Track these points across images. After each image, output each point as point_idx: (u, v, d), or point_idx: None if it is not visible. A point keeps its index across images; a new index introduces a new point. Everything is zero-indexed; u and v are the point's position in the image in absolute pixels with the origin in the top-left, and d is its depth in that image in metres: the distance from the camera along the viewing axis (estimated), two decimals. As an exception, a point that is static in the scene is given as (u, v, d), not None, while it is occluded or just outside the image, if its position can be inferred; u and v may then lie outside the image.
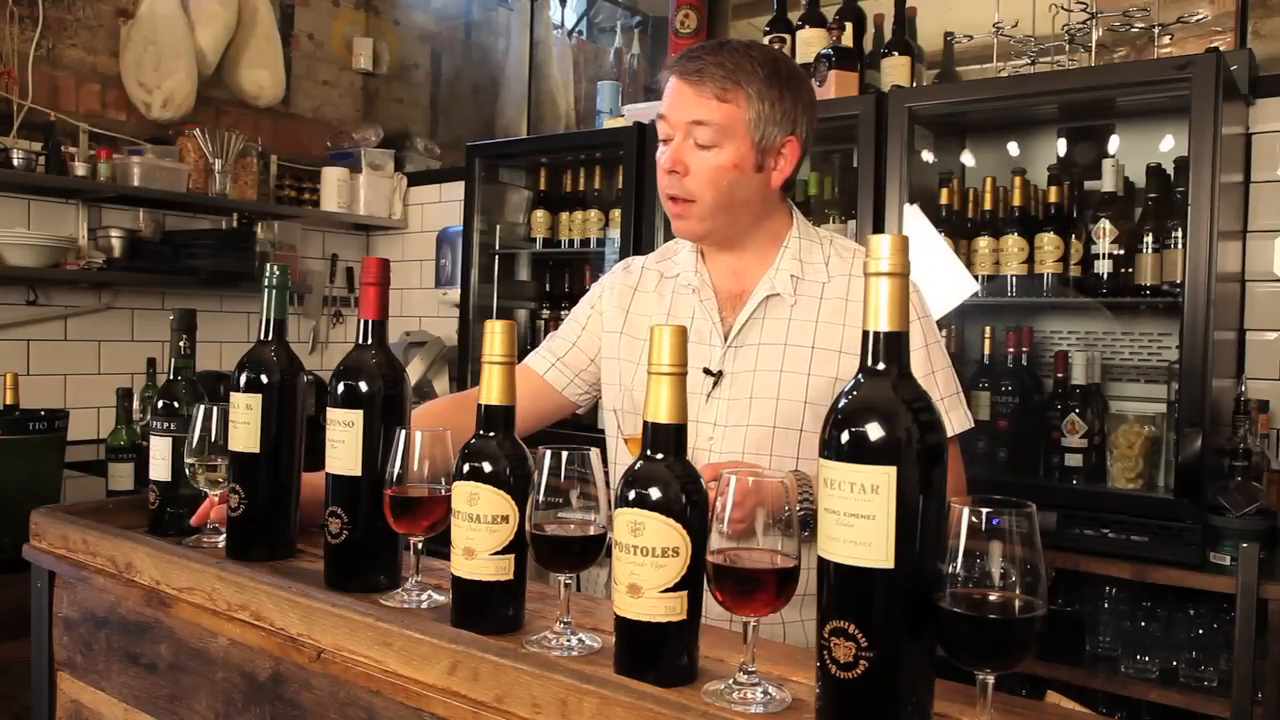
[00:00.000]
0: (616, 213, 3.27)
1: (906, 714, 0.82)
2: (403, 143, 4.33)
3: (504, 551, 1.06)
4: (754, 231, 1.54)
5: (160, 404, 1.48)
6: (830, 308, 1.50)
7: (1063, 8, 2.58)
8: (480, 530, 1.06)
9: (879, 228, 2.55)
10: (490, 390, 1.08)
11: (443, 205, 4.14)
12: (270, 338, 1.33)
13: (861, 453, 0.81)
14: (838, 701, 0.83)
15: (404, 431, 1.15)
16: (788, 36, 2.91)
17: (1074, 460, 2.39)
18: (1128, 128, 2.59)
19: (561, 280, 3.69)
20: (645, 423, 0.95)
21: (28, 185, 3.23)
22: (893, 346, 0.83)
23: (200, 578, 1.27)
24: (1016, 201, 2.55)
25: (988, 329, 2.58)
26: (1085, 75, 2.42)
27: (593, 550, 1.03)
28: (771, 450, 1.47)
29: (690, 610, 0.94)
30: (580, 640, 1.04)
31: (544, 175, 3.63)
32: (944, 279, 2.55)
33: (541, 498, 1.01)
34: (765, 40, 2.88)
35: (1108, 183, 2.45)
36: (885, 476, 0.80)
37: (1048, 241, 2.47)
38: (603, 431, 1.67)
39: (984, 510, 0.79)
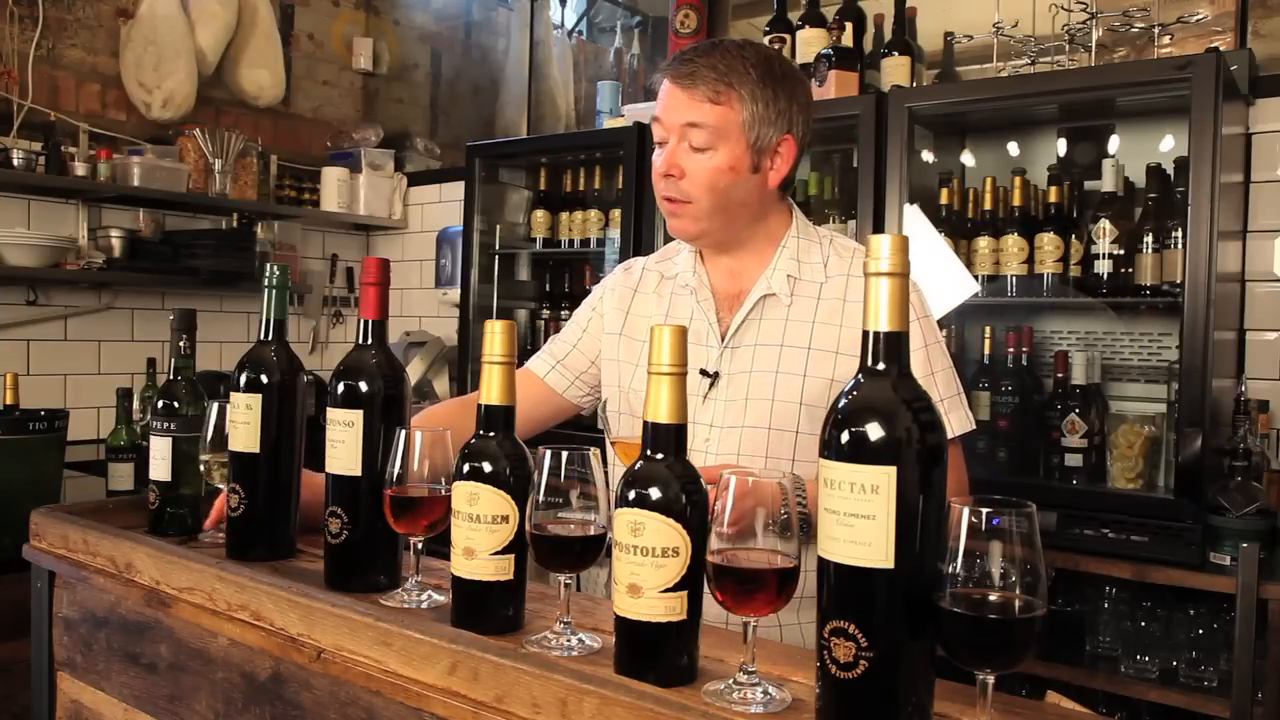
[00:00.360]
0: (616, 213, 3.27)
1: (906, 714, 0.82)
2: (403, 143, 4.33)
3: (504, 551, 1.06)
4: (751, 232, 1.53)
5: (160, 404, 1.47)
6: (827, 308, 1.49)
7: (1063, 8, 2.58)
8: (480, 530, 1.06)
9: (879, 228, 2.55)
10: (490, 390, 1.08)
11: (443, 205, 4.14)
12: (270, 338, 1.33)
13: (861, 453, 0.81)
14: (838, 701, 0.83)
15: (404, 431, 1.15)
16: (787, 36, 2.91)
17: (1074, 460, 2.39)
18: (1128, 128, 2.59)
19: (561, 280, 3.70)
20: (645, 423, 0.95)
21: (28, 185, 3.23)
22: (893, 346, 0.83)
23: (200, 578, 1.27)
24: (1016, 201, 2.55)
25: (988, 329, 2.57)
26: (1085, 75, 2.42)
27: (593, 550, 1.03)
28: (767, 452, 1.47)
29: (690, 610, 0.94)
30: (580, 640, 1.04)
31: (544, 175, 3.63)
32: (944, 279, 2.55)
33: (541, 498, 1.01)
34: (765, 40, 2.88)
35: (1108, 183, 2.45)
36: (885, 476, 0.80)
37: (1048, 241, 2.47)
38: (602, 432, 1.67)
39: (984, 510, 0.79)
